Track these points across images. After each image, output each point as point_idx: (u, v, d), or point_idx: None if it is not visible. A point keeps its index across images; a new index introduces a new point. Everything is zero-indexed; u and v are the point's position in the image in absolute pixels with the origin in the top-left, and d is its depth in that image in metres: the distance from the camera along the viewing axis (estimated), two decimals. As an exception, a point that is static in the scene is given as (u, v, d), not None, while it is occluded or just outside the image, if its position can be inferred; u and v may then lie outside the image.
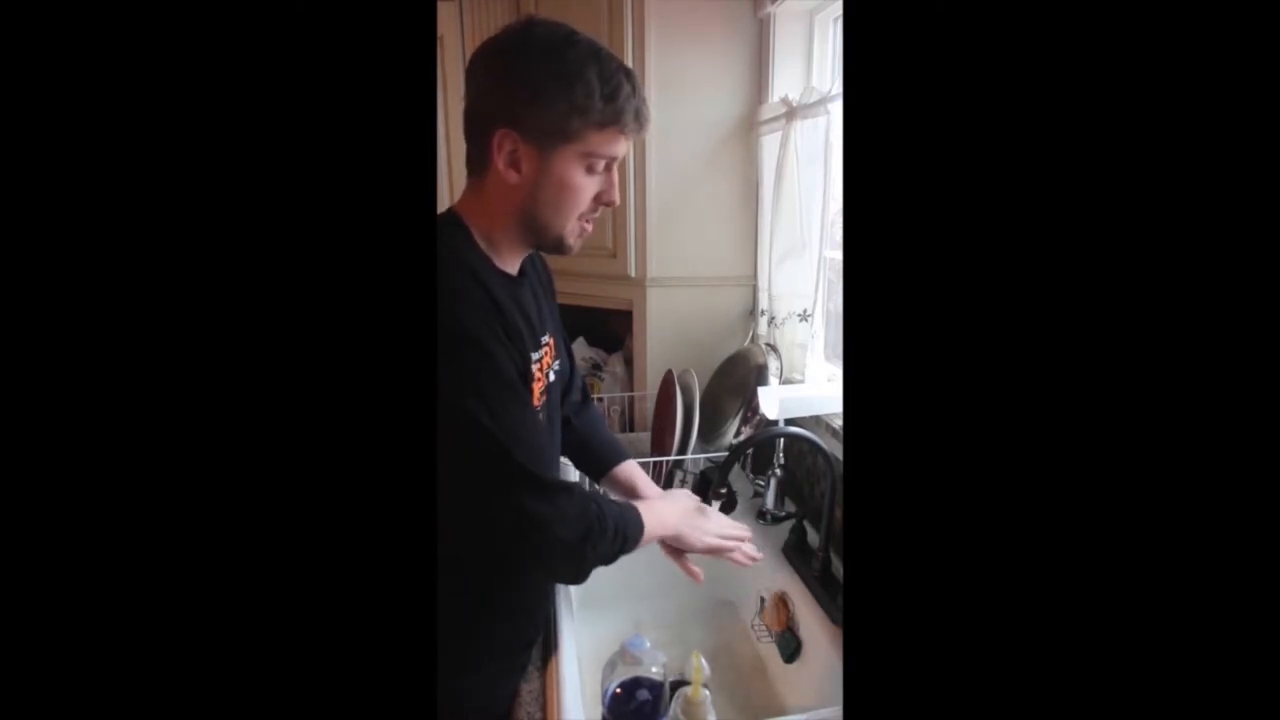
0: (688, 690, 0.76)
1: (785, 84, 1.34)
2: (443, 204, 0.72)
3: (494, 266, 0.71)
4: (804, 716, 0.76)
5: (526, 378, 0.70)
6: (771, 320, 1.34)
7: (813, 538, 1.11)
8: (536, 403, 0.72)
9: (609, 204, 0.72)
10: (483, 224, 0.70)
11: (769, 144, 1.32)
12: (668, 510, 0.83)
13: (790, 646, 0.97)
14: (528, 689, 0.84)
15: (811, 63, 1.36)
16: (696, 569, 0.85)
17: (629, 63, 0.92)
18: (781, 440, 1.21)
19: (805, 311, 1.25)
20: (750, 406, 1.25)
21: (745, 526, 0.88)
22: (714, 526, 0.85)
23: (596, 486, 1.01)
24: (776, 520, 1.20)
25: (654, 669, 0.82)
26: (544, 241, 0.72)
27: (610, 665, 0.83)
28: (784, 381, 1.26)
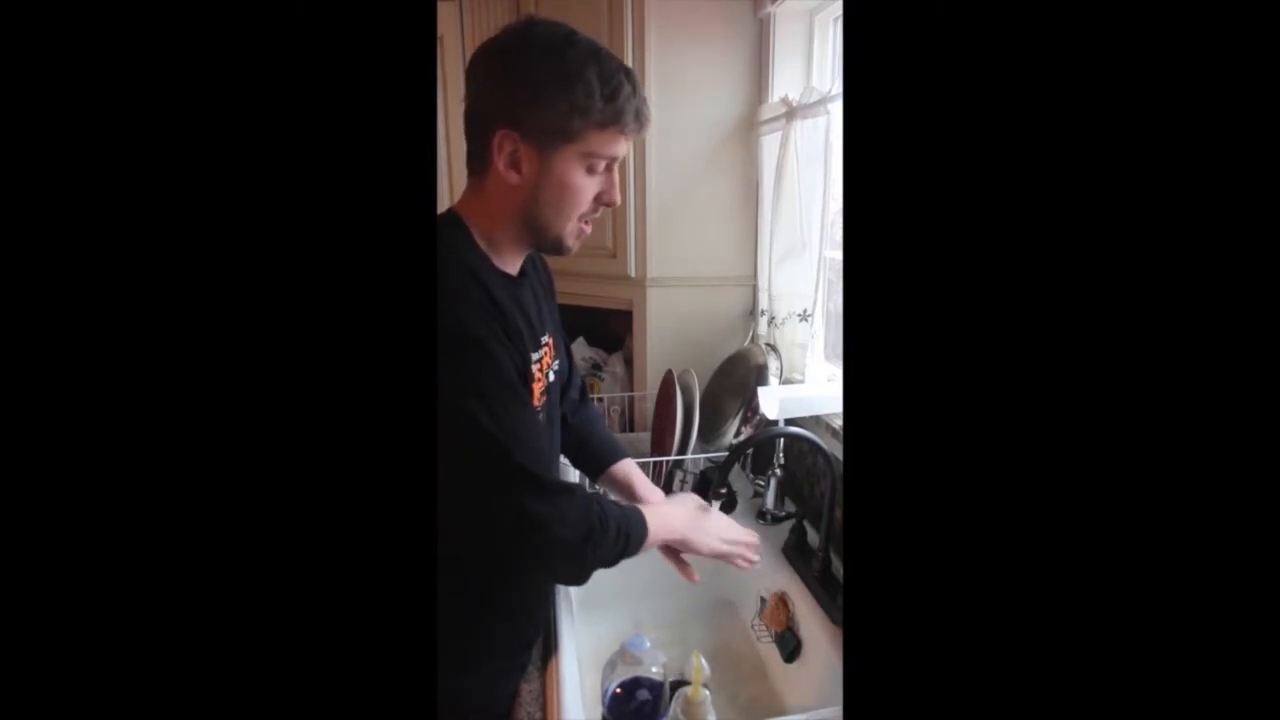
0: (688, 690, 0.76)
1: (785, 84, 1.34)
2: (443, 204, 0.72)
3: (494, 267, 0.71)
4: (804, 716, 0.76)
5: (526, 378, 0.70)
6: (771, 320, 1.34)
7: (813, 538, 1.11)
8: (536, 403, 0.72)
9: (609, 204, 0.72)
10: (483, 224, 0.70)
11: (769, 144, 1.32)
12: (674, 514, 0.82)
13: (790, 646, 0.97)
14: (528, 689, 0.84)
15: (811, 63, 1.36)
16: (692, 570, 0.85)
17: (629, 63, 0.92)
18: (781, 440, 1.21)
19: (805, 311, 1.25)
20: (750, 406, 1.25)
21: (753, 532, 0.87)
22: (721, 532, 0.84)
23: (595, 487, 1.01)
24: (776, 520, 1.20)
25: (654, 669, 0.81)
26: (543, 242, 0.72)
27: (610, 665, 0.83)
28: (784, 381, 1.26)
